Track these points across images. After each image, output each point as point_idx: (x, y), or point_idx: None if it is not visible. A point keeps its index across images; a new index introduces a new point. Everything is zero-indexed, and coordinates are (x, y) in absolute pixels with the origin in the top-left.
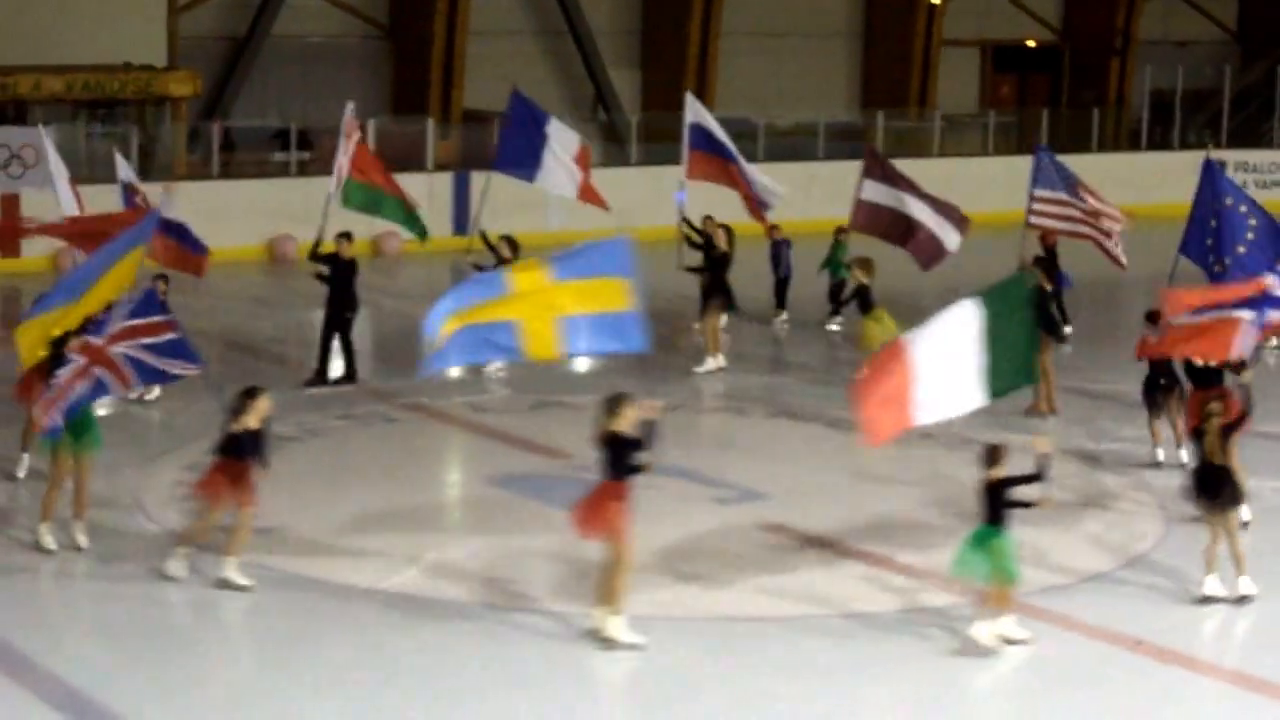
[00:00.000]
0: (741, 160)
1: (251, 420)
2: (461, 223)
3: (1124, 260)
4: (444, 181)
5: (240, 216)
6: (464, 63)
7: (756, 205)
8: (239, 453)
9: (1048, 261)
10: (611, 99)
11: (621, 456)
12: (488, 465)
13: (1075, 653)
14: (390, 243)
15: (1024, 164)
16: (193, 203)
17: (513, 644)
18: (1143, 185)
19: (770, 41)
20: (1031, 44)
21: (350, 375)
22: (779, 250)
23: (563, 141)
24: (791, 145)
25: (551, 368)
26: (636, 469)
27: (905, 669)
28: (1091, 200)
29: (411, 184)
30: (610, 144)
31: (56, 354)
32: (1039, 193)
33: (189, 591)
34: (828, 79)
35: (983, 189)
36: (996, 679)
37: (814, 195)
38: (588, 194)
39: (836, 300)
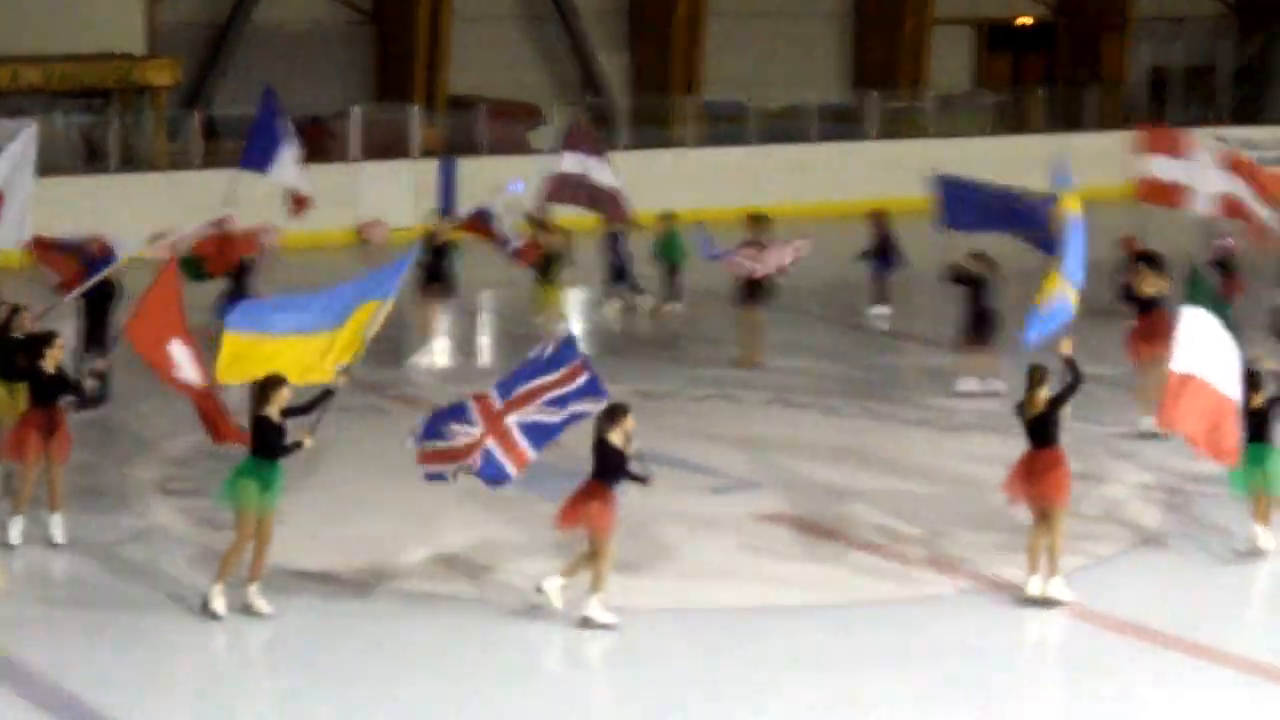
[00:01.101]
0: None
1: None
2: (448, 208)
3: None
4: (429, 167)
5: (217, 207)
6: (449, 48)
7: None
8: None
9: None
10: (600, 82)
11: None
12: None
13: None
14: (375, 231)
15: (1018, 143)
16: (175, 192)
17: (509, 631)
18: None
19: (760, 22)
20: (1026, 21)
21: None
22: (614, 242)
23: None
24: (783, 127)
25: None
26: (631, 478)
27: (908, 659)
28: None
29: (397, 170)
30: (600, 127)
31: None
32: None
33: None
34: (819, 60)
35: (978, 170)
36: (997, 667)
37: (808, 180)
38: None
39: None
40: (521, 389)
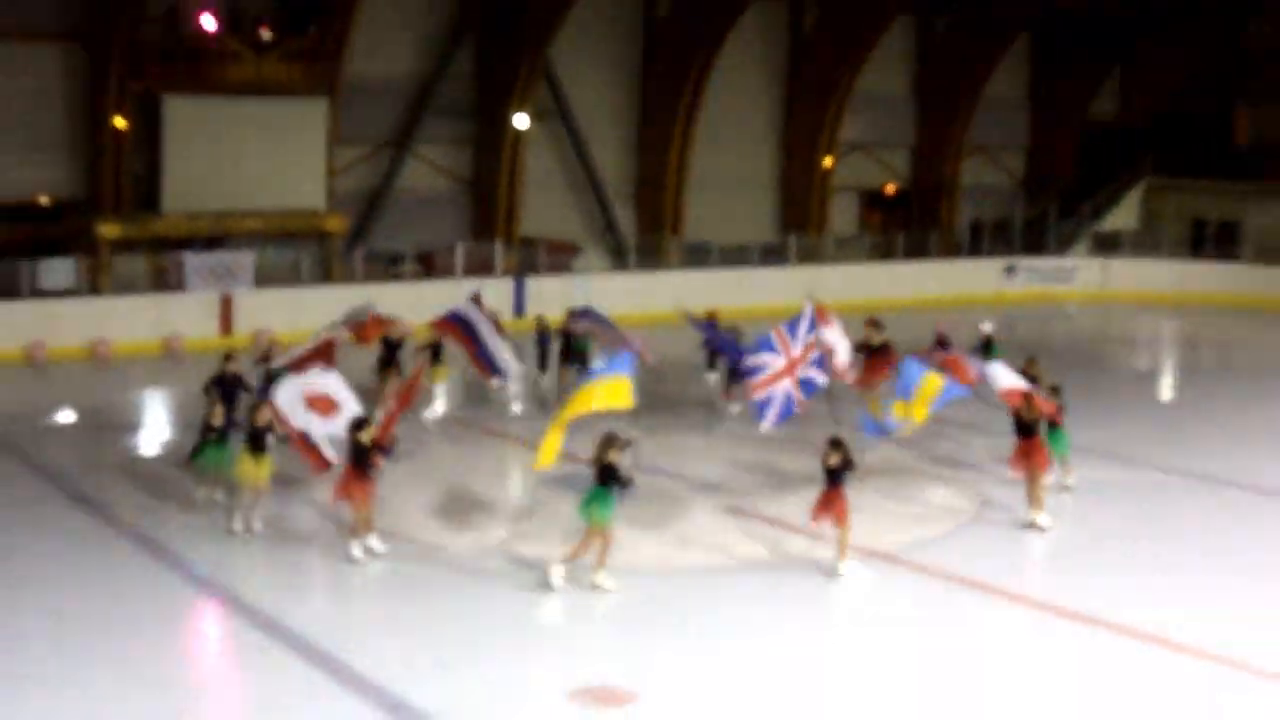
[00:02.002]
0: (485, 341)
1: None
2: (520, 309)
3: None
4: (507, 284)
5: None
6: (520, 205)
7: (484, 368)
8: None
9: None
10: (616, 227)
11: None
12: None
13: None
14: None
15: (887, 268)
16: (346, 300)
17: (534, 592)
18: (962, 283)
19: (721, 189)
20: (891, 189)
21: None
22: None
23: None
24: (735, 257)
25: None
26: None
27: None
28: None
29: (484, 286)
30: (616, 257)
31: None
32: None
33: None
34: (758, 212)
35: (860, 286)
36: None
37: (750, 292)
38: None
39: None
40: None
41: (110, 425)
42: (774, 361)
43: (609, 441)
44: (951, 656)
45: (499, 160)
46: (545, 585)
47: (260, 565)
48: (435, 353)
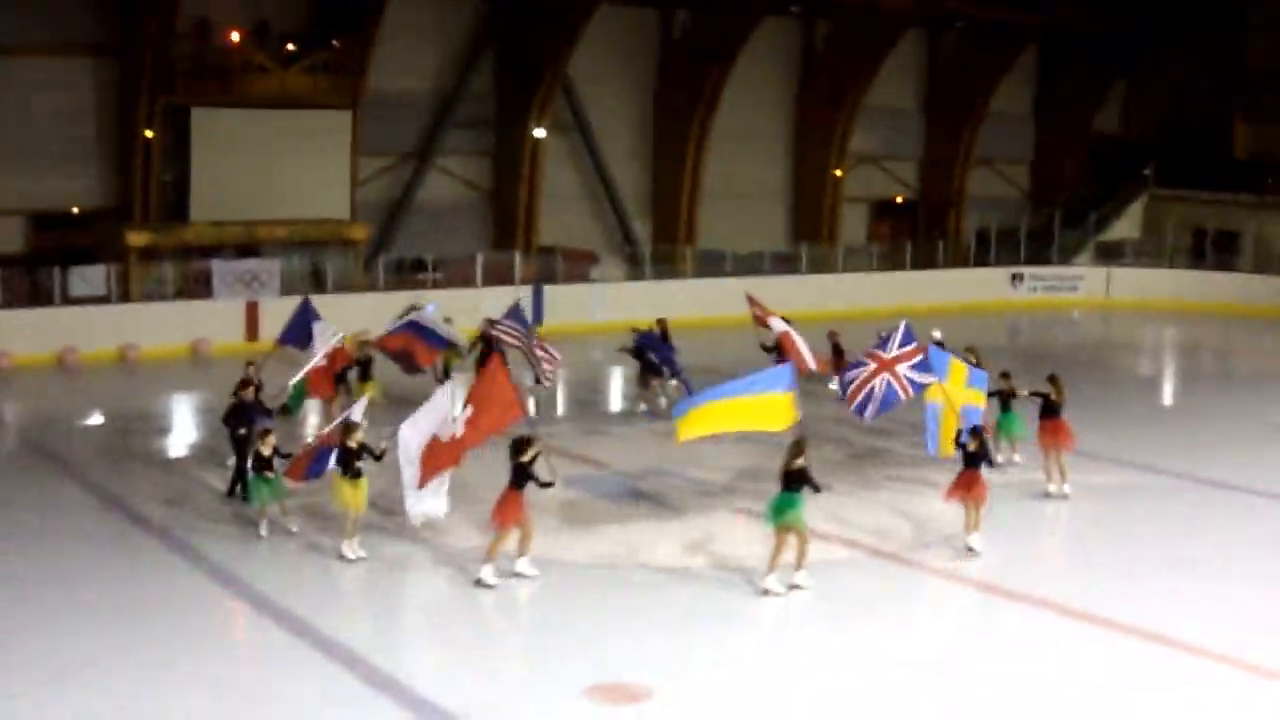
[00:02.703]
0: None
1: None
2: (539, 318)
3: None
4: (526, 290)
5: (395, 314)
6: (539, 215)
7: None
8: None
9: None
10: (633, 237)
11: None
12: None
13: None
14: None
15: (895, 277)
16: (369, 306)
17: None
18: (971, 291)
19: (735, 199)
20: (899, 200)
21: None
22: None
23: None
24: (748, 265)
25: (592, 410)
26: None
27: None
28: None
29: (505, 294)
30: (632, 266)
31: None
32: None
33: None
34: (771, 222)
35: (870, 294)
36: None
37: (765, 300)
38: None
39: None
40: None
41: (140, 428)
42: (866, 368)
43: (797, 448)
44: (960, 655)
45: (518, 172)
46: (764, 592)
47: (286, 567)
48: (364, 370)
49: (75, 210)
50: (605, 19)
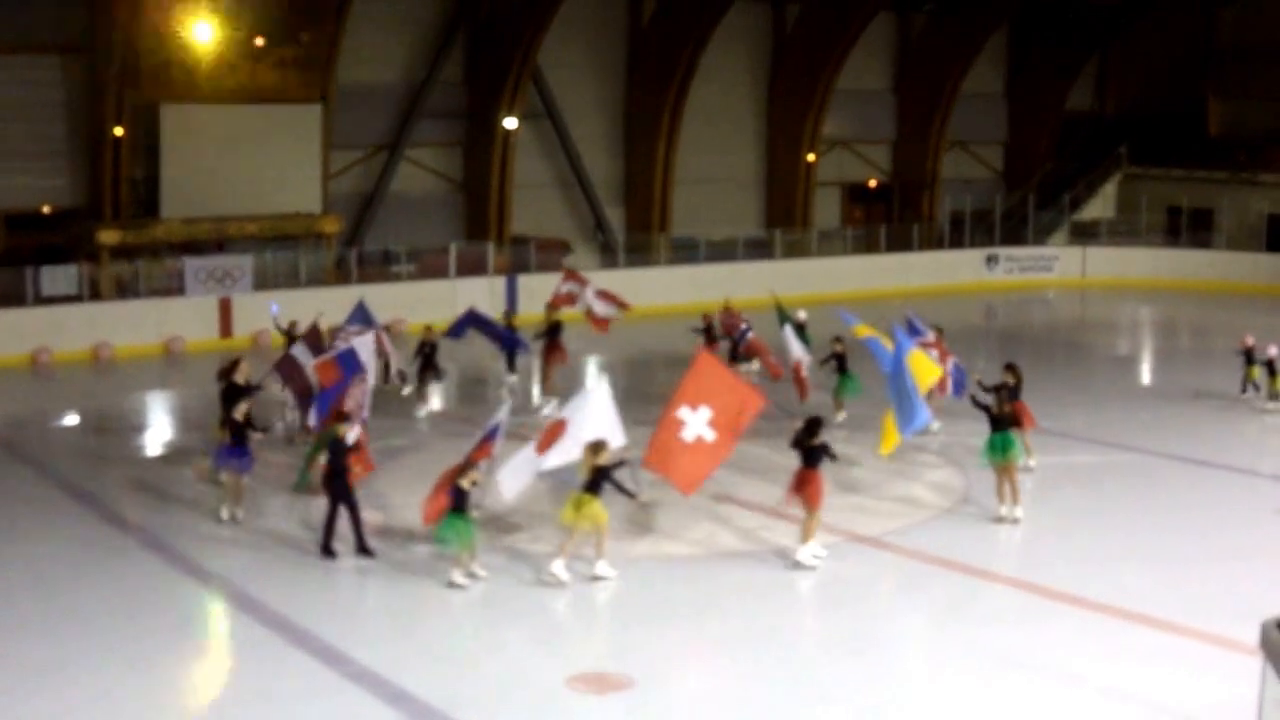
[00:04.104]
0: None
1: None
2: (512, 306)
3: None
4: (499, 282)
5: (373, 308)
6: (511, 205)
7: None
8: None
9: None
10: (606, 225)
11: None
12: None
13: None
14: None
15: (869, 260)
16: (342, 299)
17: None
18: (946, 273)
19: (707, 186)
20: (873, 183)
21: None
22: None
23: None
24: (722, 252)
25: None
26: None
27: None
28: None
29: (478, 284)
30: (605, 255)
31: None
32: None
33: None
34: (744, 208)
35: (845, 278)
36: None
37: (737, 285)
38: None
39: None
40: None
41: (114, 427)
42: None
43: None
44: (944, 637)
45: (489, 162)
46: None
47: (263, 562)
48: (293, 343)
49: (46, 209)
50: (574, 6)
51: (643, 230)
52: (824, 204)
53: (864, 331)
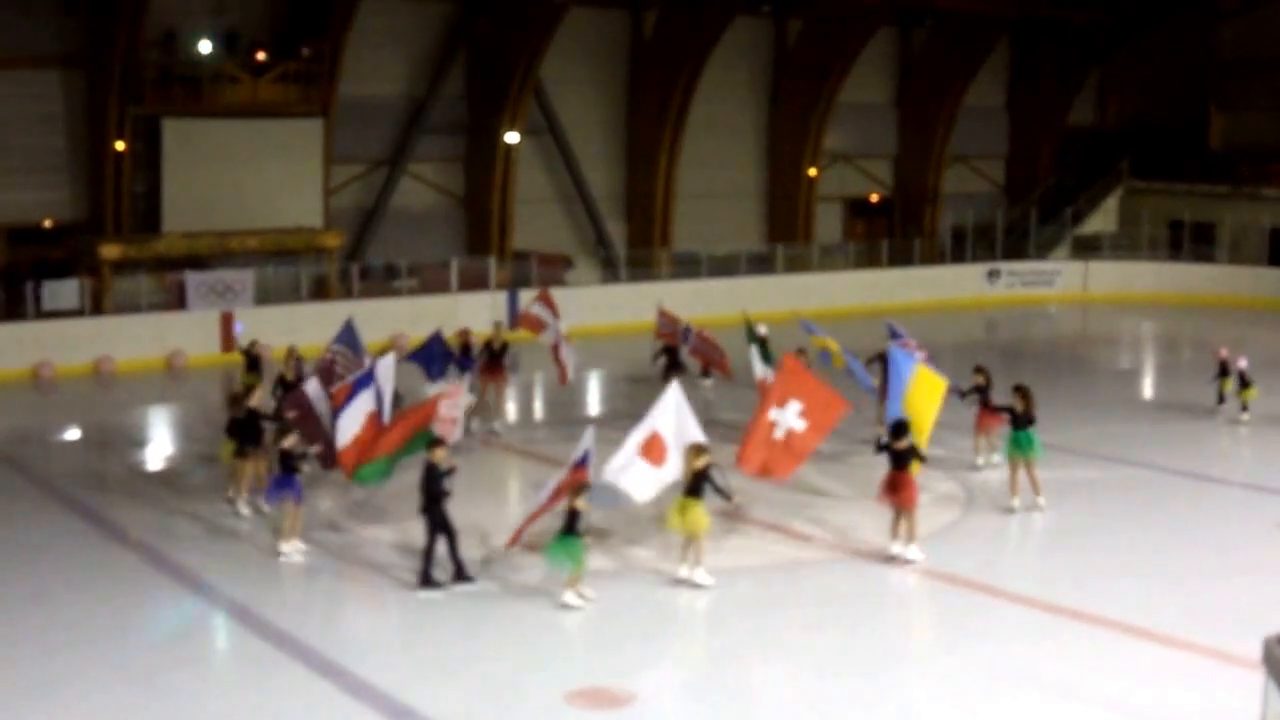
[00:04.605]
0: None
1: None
2: (513, 322)
3: None
4: (501, 296)
5: (371, 322)
6: (513, 220)
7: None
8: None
9: None
10: (608, 240)
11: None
12: (530, 475)
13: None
14: (471, 336)
15: (870, 275)
16: (342, 314)
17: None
18: (947, 288)
19: (709, 200)
20: (874, 198)
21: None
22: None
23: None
24: (724, 266)
25: (566, 413)
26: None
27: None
28: None
29: (480, 298)
30: (607, 269)
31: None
32: None
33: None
34: (745, 223)
35: (846, 293)
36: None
37: (737, 298)
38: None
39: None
40: None
41: (115, 442)
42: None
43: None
44: (942, 652)
45: (491, 177)
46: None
47: (264, 577)
48: (252, 362)
49: (47, 224)
50: (575, 21)
51: (644, 245)
52: (825, 219)
53: (821, 344)
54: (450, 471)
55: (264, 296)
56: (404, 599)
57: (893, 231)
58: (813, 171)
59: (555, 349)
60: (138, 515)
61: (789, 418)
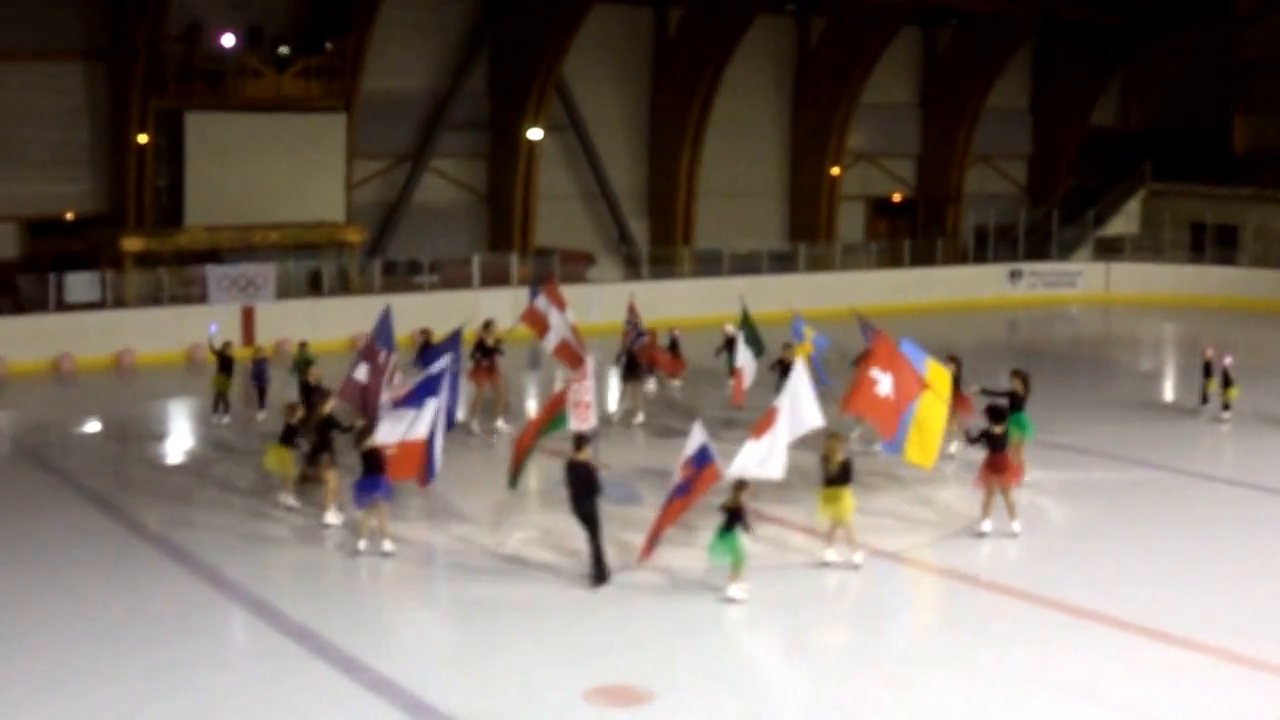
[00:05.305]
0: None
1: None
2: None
3: None
4: (522, 293)
5: (395, 317)
6: (535, 216)
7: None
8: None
9: None
10: (630, 237)
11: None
12: (554, 473)
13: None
14: (489, 331)
15: (893, 275)
16: (365, 309)
17: (559, 586)
18: (969, 288)
19: (731, 199)
20: (897, 197)
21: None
22: (258, 365)
23: None
24: (746, 264)
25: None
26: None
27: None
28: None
29: (502, 294)
30: (629, 267)
31: None
32: None
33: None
34: (768, 221)
35: (868, 292)
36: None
37: (758, 296)
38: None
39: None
40: None
41: (135, 434)
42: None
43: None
44: (961, 653)
45: (514, 173)
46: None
47: (283, 571)
48: (224, 363)
49: (70, 216)
50: (599, 18)
51: (666, 243)
52: (848, 218)
53: (804, 350)
54: (598, 469)
55: (285, 291)
56: (424, 595)
57: (915, 231)
58: (835, 170)
59: (561, 348)
60: (157, 508)
61: (887, 385)
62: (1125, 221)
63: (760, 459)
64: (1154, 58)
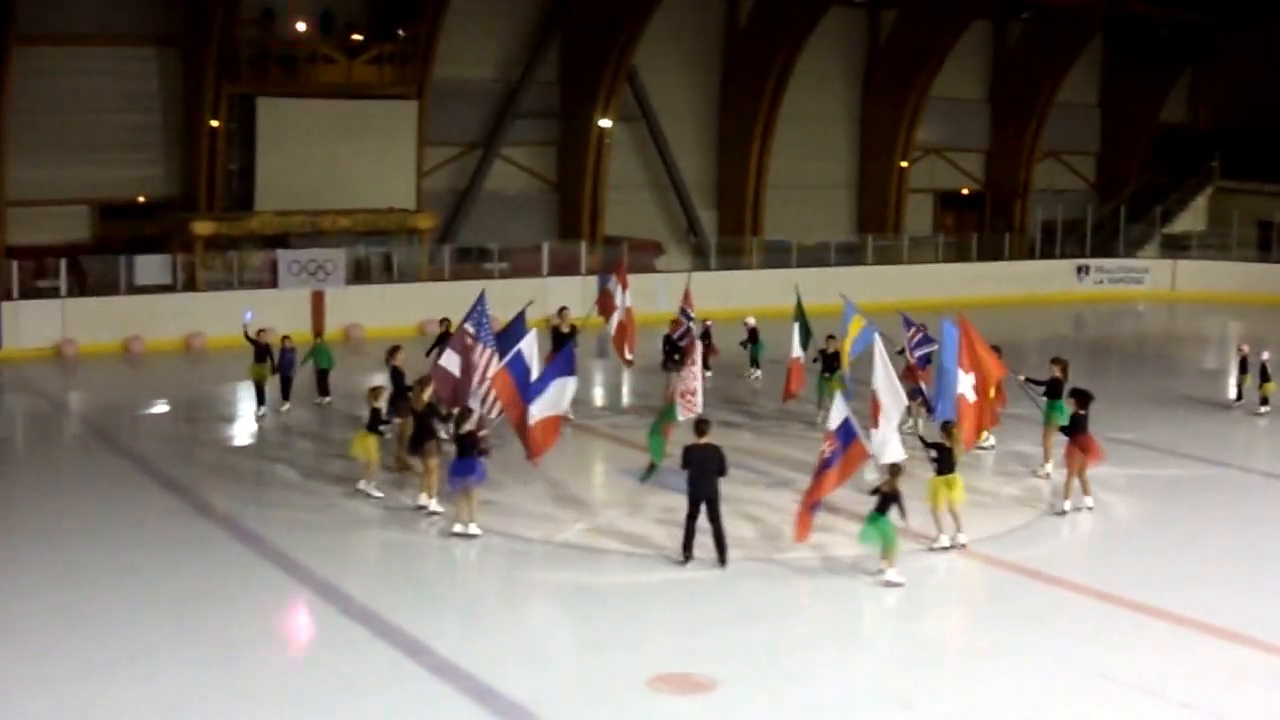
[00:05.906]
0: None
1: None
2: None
3: None
4: (591, 281)
5: (464, 305)
6: (604, 205)
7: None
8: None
9: None
10: (698, 227)
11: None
12: (619, 460)
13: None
14: (563, 318)
15: (961, 268)
16: (433, 296)
17: (616, 572)
18: (1036, 283)
19: (800, 190)
20: (965, 191)
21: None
22: (286, 355)
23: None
24: (814, 256)
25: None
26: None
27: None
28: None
29: (571, 282)
30: (698, 257)
31: None
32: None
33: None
34: (836, 213)
35: (936, 285)
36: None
37: (827, 289)
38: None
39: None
40: None
41: (205, 417)
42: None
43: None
44: (1021, 646)
45: (583, 162)
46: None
47: (349, 553)
48: (260, 352)
49: (141, 199)
50: (670, 8)
51: (735, 233)
52: (916, 211)
53: (856, 328)
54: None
55: (355, 276)
56: (494, 581)
57: (983, 225)
58: (904, 163)
59: (620, 329)
60: (225, 489)
61: (966, 386)
62: (1192, 219)
63: (878, 444)
64: (1224, 56)
